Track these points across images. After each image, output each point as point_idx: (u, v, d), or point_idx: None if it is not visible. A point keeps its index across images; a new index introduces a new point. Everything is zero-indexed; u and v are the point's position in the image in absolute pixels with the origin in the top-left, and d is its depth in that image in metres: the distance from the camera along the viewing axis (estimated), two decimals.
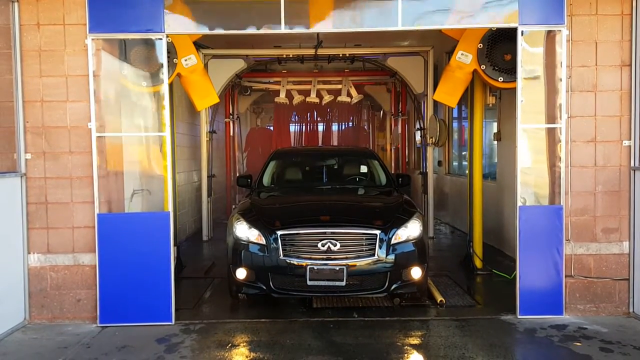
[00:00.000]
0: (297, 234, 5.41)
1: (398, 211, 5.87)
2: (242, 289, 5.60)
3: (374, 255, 5.35)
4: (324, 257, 5.30)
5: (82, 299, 5.43)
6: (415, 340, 4.87)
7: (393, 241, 5.44)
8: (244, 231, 5.60)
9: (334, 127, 16.81)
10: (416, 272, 5.48)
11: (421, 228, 5.68)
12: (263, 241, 5.45)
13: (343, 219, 5.75)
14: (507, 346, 4.78)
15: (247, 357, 4.57)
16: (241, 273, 5.51)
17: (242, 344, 4.84)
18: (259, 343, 4.84)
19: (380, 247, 5.37)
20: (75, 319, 5.43)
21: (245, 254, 5.54)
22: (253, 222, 5.64)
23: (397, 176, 7.35)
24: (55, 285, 5.43)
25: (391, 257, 5.39)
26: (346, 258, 5.32)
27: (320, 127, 16.86)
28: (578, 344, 4.77)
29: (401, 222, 5.61)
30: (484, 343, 4.79)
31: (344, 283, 5.26)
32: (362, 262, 5.34)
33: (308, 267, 5.26)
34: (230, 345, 4.81)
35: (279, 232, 5.41)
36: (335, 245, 5.31)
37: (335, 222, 5.62)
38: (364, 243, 5.39)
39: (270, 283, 5.41)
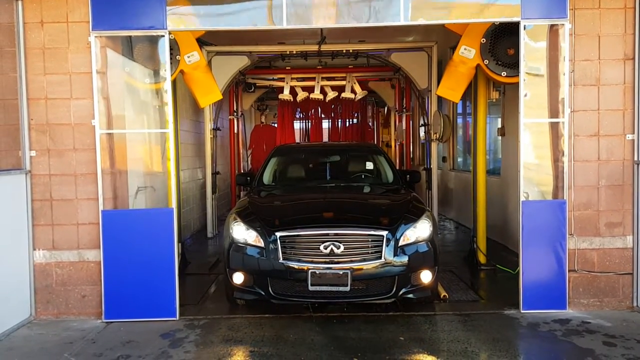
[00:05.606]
0: (297, 235, 5.14)
1: (406, 210, 5.57)
2: (239, 294, 5.39)
3: (380, 258, 5.06)
4: (327, 260, 5.01)
5: (87, 295, 5.48)
6: (418, 335, 4.88)
7: (401, 242, 5.15)
8: (241, 233, 5.33)
9: (339, 124, 16.77)
10: (426, 276, 5.19)
11: (431, 228, 5.36)
12: (261, 243, 5.18)
13: (347, 219, 5.47)
14: (510, 340, 4.78)
15: (250, 351, 4.60)
16: (238, 278, 5.25)
17: (245, 339, 4.85)
18: (263, 338, 4.86)
19: (387, 249, 5.07)
20: (81, 314, 5.48)
21: (242, 258, 5.26)
22: (251, 223, 5.36)
23: (405, 173, 7.07)
24: (61, 281, 5.47)
25: (399, 260, 5.09)
26: (351, 261, 5.02)
27: (325, 124, 16.82)
28: (581, 338, 4.77)
29: (410, 221, 5.31)
30: (487, 337, 4.79)
31: (348, 288, 4.99)
32: (368, 266, 5.04)
33: (310, 271, 4.98)
34: (234, 340, 4.83)
35: (278, 234, 5.12)
36: (338, 247, 5.03)
37: (339, 222, 5.36)
38: (369, 245, 5.10)
39: (269, 288, 5.15)
